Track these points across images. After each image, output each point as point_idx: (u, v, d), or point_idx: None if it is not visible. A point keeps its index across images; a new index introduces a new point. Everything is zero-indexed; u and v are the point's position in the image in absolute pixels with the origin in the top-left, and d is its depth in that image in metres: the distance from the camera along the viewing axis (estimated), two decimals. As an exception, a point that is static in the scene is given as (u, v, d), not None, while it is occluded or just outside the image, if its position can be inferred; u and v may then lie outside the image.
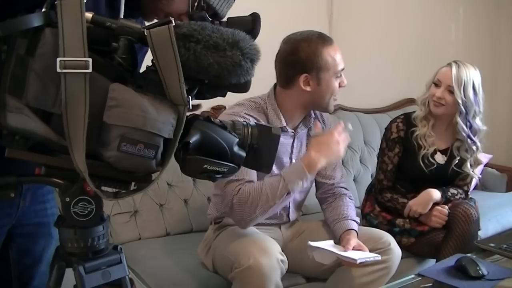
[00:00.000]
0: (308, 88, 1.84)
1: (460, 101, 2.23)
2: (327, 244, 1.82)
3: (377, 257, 1.79)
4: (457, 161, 2.33)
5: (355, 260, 1.73)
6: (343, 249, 1.80)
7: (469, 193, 2.43)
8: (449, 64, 2.30)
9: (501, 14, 3.84)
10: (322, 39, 1.85)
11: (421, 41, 3.46)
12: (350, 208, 2.00)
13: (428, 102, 2.33)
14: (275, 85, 1.95)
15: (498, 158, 3.49)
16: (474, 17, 3.74)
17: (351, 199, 2.06)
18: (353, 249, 1.80)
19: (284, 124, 1.90)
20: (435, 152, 2.33)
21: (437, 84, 2.31)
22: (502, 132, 3.84)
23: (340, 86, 1.89)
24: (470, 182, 2.44)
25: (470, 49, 3.70)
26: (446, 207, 2.27)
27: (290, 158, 1.95)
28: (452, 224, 2.21)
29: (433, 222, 2.26)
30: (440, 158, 2.34)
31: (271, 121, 1.88)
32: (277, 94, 1.92)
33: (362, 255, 1.77)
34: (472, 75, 2.26)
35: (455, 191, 2.35)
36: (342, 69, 1.88)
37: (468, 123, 2.27)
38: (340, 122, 1.85)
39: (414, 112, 2.41)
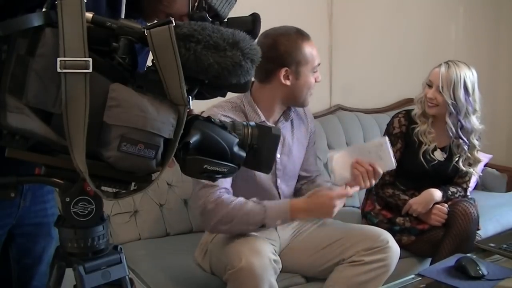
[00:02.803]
0: (287, 82, 1.87)
1: (449, 102, 2.25)
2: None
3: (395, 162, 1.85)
4: (457, 158, 2.35)
5: (383, 138, 1.83)
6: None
7: (468, 192, 2.43)
8: (440, 65, 2.32)
9: (501, 14, 3.84)
10: (300, 34, 1.88)
11: (421, 41, 3.47)
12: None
13: (424, 101, 2.35)
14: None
15: (498, 158, 3.49)
16: (474, 17, 3.74)
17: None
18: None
19: (263, 119, 1.90)
20: (435, 148, 2.34)
21: (429, 85, 2.33)
22: (502, 132, 3.84)
23: (315, 81, 1.92)
24: (469, 181, 2.44)
25: (470, 49, 3.70)
26: (446, 205, 2.28)
27: None
28: (451, 222, 2.21)
29: (433, 221, 2.26)
30: (439, 155, 2.35)
31: (250, 118, 1.89)
32: (253, 91, 1.93)
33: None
34: (464, 74, 2.26)
35: (455, 190, 2.37)
36: (318, 64, 1.91)
37: (459, 123, 2.28)
38: (347, 188, 1.82)
39: (414, 109, 2.43)
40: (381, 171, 1.83)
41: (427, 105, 2.32)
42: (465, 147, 2.32)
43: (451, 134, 2.31)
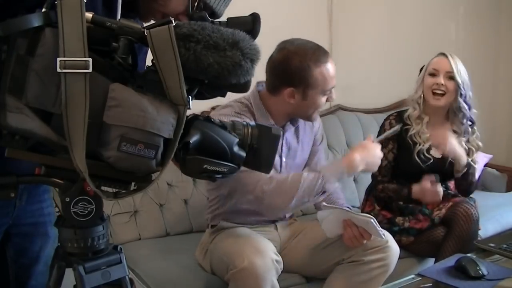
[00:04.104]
0: (292, 101, 1.81)
1: (461, 83, 2.28)
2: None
3: (384, 234, 1.83)
4: None
5: (370, 218, 1.76)
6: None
7: (473, 181, 2.40)
8: (439, 54, 2.36)
9: (501, 14, 3.84)
10: (316, 56, 1.77)
11: (421, 41, 3.46)
12: (339, 196, 2.03)
13: (423, 99, 2.34)
14: (257, 83, 1.93)
15: (498, 158, 3.48)
16: (474, 17, 3.73)
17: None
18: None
19: (272, 122, 1.88)
20: (430, 147, 2.35)
21: (434, 74, 2.33)
22: (502, 132, 3.84)
23: (327, 101, 1.88)
24: (473, 173, 2.41)
25: (470, 49, 3.70)
26: (440, 185, 2.27)
27: (280, 157, 1.95)
28: (452, 224, 2.21)
29: (429, 199, 2.26)
30: (436, 153, 2.35)
31: (258, 120, 1.87)
32: (262, 96, 1.89)
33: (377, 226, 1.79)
34: (461, 63, 2.33)
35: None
36: (332, 87, 1.83)
37: (467, 106, 2.32)
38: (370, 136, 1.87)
39: (406, 110, 2.42)
40: (367, 239, 1.84)
41: (433, 97, 2.31)
42: (470, 130, 2.35)
43: (466, 113, 2.32)
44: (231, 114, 1.81)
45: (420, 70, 2.44)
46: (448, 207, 2.26)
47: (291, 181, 1.72)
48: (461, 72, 2.30)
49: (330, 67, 1.79)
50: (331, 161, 1.86)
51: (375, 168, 1.86)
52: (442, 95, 2.29)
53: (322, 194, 1.73)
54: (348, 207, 1.95)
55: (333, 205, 1.85)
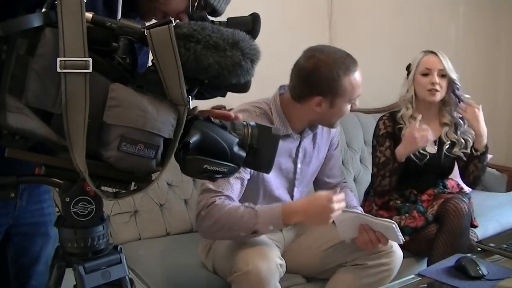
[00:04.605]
0: (318, 110, 1.79)
1: (455, 77, 2.33)
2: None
3: (402, 239, 1.81)
4: (447, 146, 2.39)
5: (392, 223, 1.74)
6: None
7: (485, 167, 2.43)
8: (427, 52, 2.38)
9: (502, 13, 3.84)
10: (346, 66, 1.76)
11: (421, 41, 3.45)
12: (352, 198, 2.02)
13: (415, 98, 2.39)
14: (280, 87, 1.91)
15: (498, 158, 3.48)
16: (474, 17, 3.73)
17: (351, 191, 2.09)
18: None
19: (290, 131, 1.86)
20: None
21: (427, 74, 2.35)
22: (502, 132, 3.84)
23: (351, 109, 1.86)
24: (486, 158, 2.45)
25: (470, 49, 3.70)
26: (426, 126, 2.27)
27: (295, 163, 1.93)
28: (443, 220, 2.22)
29: (420, 141, 2.24)
30: (431, 149, 2.38)
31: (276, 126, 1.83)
32: (285, 101, 1.86)
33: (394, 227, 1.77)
34: (446, 55, 2.38)
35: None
36: (358, 95, 1.82)
37: (458, 98, 2.37)
38: (336, 190, 1.76)
39: (399, 110, 2.46)
40: (384, 244, 1.83)
41: (430, 94, 2.34)
42: (462, 121, 2.40)
43: (454, 109, 2.37)
44: (247, 119, 1.78)
45: (407, 68, 2.46)
46: (440, 203, 2.27)
47: (226, 211, 1.65)
48: (451, 67, 2.34)
49: (358, 76, 1.79)
50: (272, 204, 1.74)
51: (318, 222, 1.77)
52: (438, 90, 2.34)
53: (254, 233, 1.67)
54: (358, 209, 1.96)
55: (353, 210, 1.82)
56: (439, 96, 2.34)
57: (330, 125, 1.92)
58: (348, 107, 1.83)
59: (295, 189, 1.96)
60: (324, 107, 1.79)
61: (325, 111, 1.80)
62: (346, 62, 1.77)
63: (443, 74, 2.33)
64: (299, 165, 1.94)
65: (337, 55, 1.78)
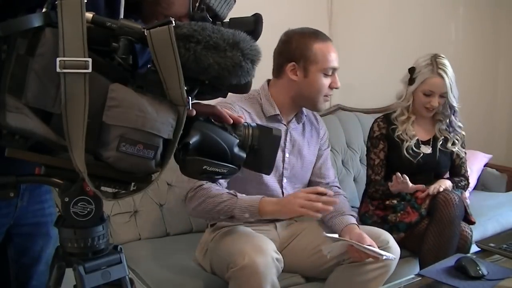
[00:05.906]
0: (294, 77, 1.90)
1: (454, 100, 2.38)
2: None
3: (393, 256, 1.84)
4: (441, 142, 2.45)
5: (381, 256, 1.78)
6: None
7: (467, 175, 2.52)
8: (434, 72, 2.35)
9: (501, 14, 3.84)
10: (316, 35, 1.91)
11: (421, 41, 3.46)
12: (346, 206, 2.03)
13: (413, 107, 2.44)
14: (268, 80, 2.02)
15: (498, 158, 3.49)
16: (474, 17, 3.74)
17: (345, 197, 2.10)
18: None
19: (278, 112, 1.95)
20: (418, 143, 2.44)
21: (428, 95, 2.39)
22: (502, 132, 3.84)
23: (331, 87, 1.93)
24: (464, 166, 2.53)
25: (470, 49, 3.70)
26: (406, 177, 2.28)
27: (283, 152, 1.99)
28: (434, 211, 2.24)
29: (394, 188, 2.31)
30: (425, 149, 2.44)
31: (265, 110, 1.94)
32: (270, 86, 1.99)
33: (382, 252, 1.80)
34: (452, 72, 2.38)
35: (458, 179, 2.47)
36: (334, 68, 1.92)
37: (453, 110, 2.44)
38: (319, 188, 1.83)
39: (393, 112, 2.51)
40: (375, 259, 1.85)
41: (426, 111, 2.42)
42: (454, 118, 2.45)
43: (448, 117, 2.44)
44: (235, 104, 1.87)
45: (409, 71, 2.46)
46: (431, 197, 2.28)
47: (211, 194, 1.75)
48: (453, 86, 2.36)
49: (329, 46, 1.91)
50: (252, 197, 1.80)
51: (287, 213, 1.82)
52: (434, 109, 2.41)
53: (231, 217, 1.77)
54: (351, 214, 1.99)
55: (344, 238, 1.84)
56: (434, 111, 2.43)
57: (314, 105, 1.97)
58: (325, 81, 1.91)
59: (284, 179, 1.99)
60: (299, 76, 1.90)
61: (301, 81, 1.90)
62: (317, 33, 1.93)
63: (444, 96, 2.38)
64: (287, 154, 1.99)
65: (309, 29, 1.94)
